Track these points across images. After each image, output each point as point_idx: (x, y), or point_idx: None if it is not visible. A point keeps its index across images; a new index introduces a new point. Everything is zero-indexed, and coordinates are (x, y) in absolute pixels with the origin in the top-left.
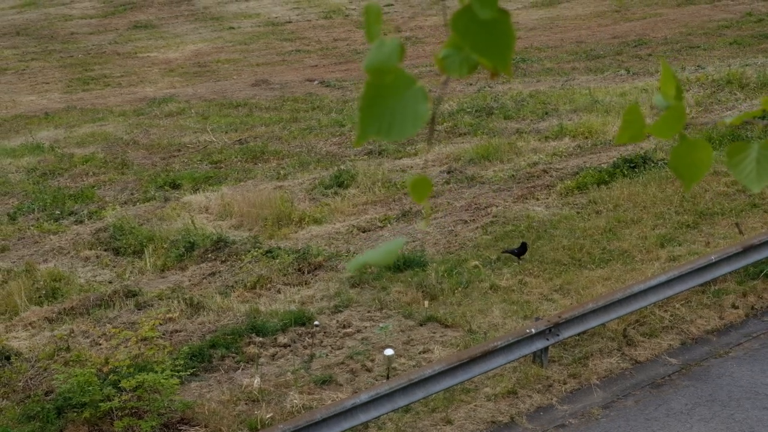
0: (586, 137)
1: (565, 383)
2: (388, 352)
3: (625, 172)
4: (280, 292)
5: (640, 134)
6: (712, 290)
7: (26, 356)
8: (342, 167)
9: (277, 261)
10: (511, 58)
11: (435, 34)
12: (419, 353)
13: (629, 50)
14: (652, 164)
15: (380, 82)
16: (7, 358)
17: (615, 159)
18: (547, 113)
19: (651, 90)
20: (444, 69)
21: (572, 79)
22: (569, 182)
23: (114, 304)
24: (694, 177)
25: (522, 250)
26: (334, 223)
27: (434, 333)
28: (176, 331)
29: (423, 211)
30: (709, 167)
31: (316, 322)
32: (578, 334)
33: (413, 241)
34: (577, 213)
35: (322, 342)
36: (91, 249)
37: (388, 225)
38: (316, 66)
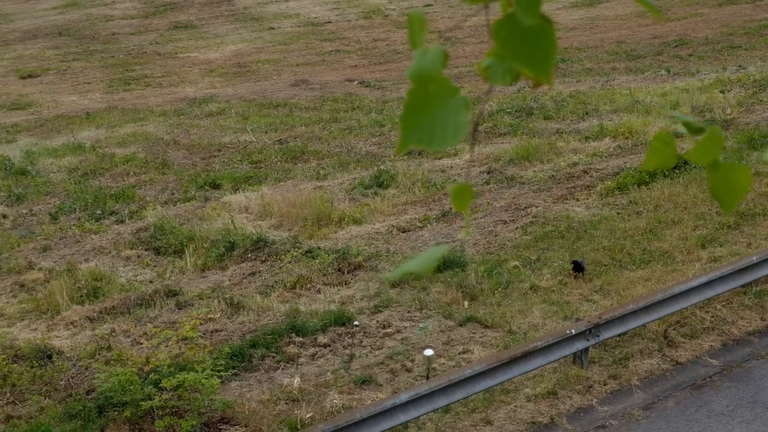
0: (627, 137)
1: (605, 384)
2: (428, 352)
3: (666, 173)
4: (320, 292)
5: (670, 160)
6: (753, 291)
7: (68, 355)
8: (382, 167)
9: (317, 261)
10: (553, 67)
11: (475, 35)
12: (459, 353)
13: (670, 50)
14: (693, 165)
15: (423, 91)
16: (49, 356)
17: None
18: (587, 113)
19: (692, 90)
20: (487, 78)
21: (612, 79)
22: (609, 183)
23: (155, 304)
24: (733, 201)
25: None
26: (374, 224)
27: (474, 333)
28: (216, 330)
29: (464, 219)
30: (747, 190)
31: (355, 322)
32: (619, 335)
33: (453, 242)
34: (618, 214)
35: (361, 342)
36: (132, 248)
37: (428, 225)
38: (356, 66)
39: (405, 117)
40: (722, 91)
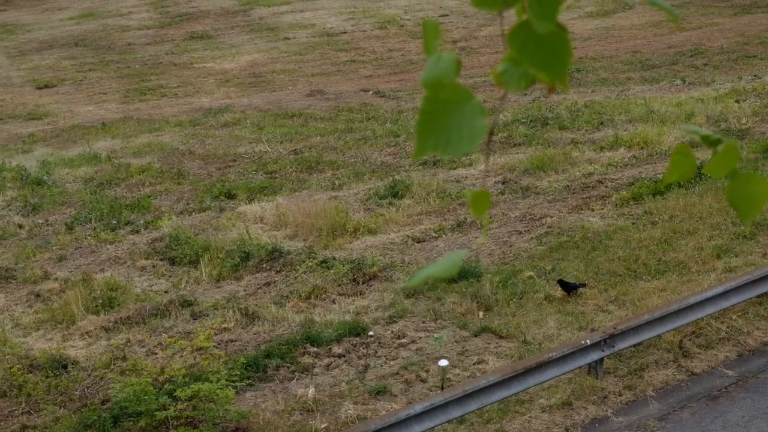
0: (642, 147)
1: (620, 395)
2: (443, 362)
3: (681, 183)
4: (334, 303)
5: (690, 172)
6: None
7: (83, 365)
8: (397, 177)
9: (332, 271)
10: (568, 72)
11: (490, 45)
12: (474, 364)
13: (685, 60)
14: (709, 175)
15: (437, 97)
16: (65, 366)
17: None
18: (602, 123)
19: (707, 100)
20: (502, 84)
21: (627, 89)
22: (624, 193)
23: (170, 314)
24: (751, 210)
25: (574, 286)
26: (389, 234)
27: (489, 344)
28: (231, 340)
29: (481, 225)
30: (766, 200)
31: (370, 333)
32: (634, 346)
33: (468, 252)
34: (633, 224)
35: (376, 352)
36: (147, 259)
37: (443, 235)
38: (371, 76)
39: (420, 123)
40: (737, 101)
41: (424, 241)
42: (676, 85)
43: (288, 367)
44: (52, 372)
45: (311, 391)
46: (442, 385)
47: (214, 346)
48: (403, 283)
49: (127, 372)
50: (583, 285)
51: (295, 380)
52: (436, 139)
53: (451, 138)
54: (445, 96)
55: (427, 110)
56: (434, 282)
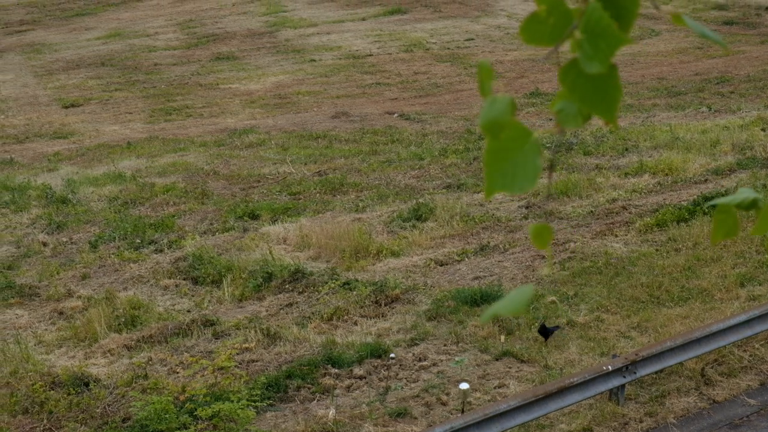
0: (666, 174)
1: (641, 421)
2: (464, 386)
3: (706, 210)
4: (356, 324)
5: (735, 230)
6: None
7: (105, 383)
8: (420, 200)
9: (355, 293)
10: (618, 110)
11: (514, 69)
12: (495, 388)
13: (711, 87)
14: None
15: (497, 138)
16: (86, 384)
17: (695, 197)
18: (627, 149)
19: (732, 128)
20: (560, 122)
21: (653, 115)
22: (648, 219)
23: (192, 333)
24: None
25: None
26: (412, 256)
27: (510, 368)
28: (253, 360)
29: (546, 257)
30: None
31: (392, 355)
32: (655, 372)
33: (490, 276)
34: (656, 250)
35: (397, 375)
36: (170, 278)
37: (466, 259)
38: (396, 99)
39: (488, 164)
40: (763, 129)
41: (446, 264)
42: (702, 112)
43: (309, 388)
44: (74, 389)
45: (332, 412)
46: (463, 409)
47: (235, 366)
48: (481, 320)
49: (148, 390)
50: (558, 327)
51: (315, 401)
52: (503, 178)
53: (516, 176)
54: (506, 136)
55: (491, 150)
56: (456, 305)
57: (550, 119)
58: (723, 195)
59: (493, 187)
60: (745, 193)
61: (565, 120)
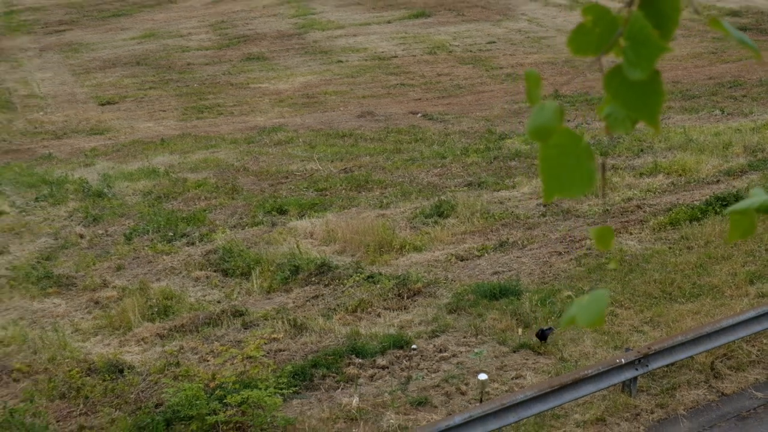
0: (680, 175)
1: (652, 413)
2: (482, 376)
3: (717, 210)
4: (380, 316)
5: (751, 230)
6: None
7: (138, 370)
8: (442, 198)
9: (378, 286)
10: (660, 114)
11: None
12: (512, 379)
13: (724, 91)
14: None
15: (545, 143)
16: (121, 371)
17: (708, 197)
18: (642, 150)
19: (745, 130)
20: (609, 126)
21: (667, 117)
22: (662, 218)
23: (222, 323)
24: None
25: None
26: (434, 251)
27: (527, 360)
28: (280, 350)
29: (609, 257)
30: None
31: (413, 346)
32: (667, 366)
33: (509, 271)
34: (669, 248)
35: (419, 365)
36: (201, 270)
37: (486, 254)
38: (420, 99)
39: (544, 170)
40: None
41: (467, 260)
42: (715, 115)
43: (333, 377)
44: (109, 376)
45: (355, 400)
46: (481, 398)
47: (263, 355)
48: (560, 326)
49: (180, 377)
50: (551, 329)
51: (340, 389)
52: (560, 182)
53: (573, 181)
54: (554, 142)
55: (545, 156)
56: (476, 298)
57: (569, 120)
58: (735, 195)
59: (551, 191)
60: (763, 196)
61: (614, 125)
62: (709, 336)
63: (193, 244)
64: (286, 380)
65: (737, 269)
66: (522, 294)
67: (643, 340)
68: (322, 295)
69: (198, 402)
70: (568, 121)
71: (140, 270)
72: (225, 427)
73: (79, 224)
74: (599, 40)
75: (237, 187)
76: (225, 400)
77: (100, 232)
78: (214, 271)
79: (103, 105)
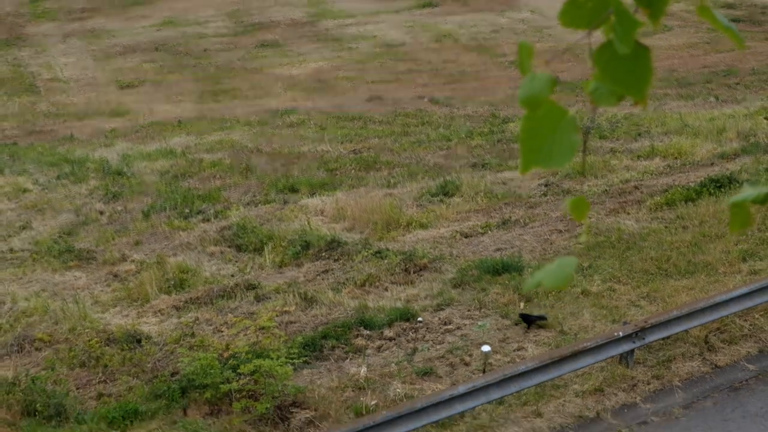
0: (676, 158)
1: (648, 383)
2: (485, 348)
3: (712, 191)
4: (387, 290)
5: (748, 222)
6: None
7: (155, 340)
8: (448, 178)
9: (386, 261)
10: (648, 90)
11: (537, 59)
12: (514, 350)
13: (718, 79)
14: (737, 184)
15: (535, 115)
16: (138, 341)
17: (702, 178)
18: (639, 135)
19: (738, 117)
20: (595, 101)
21: (664, 104)
22: (658, 199)
23: (235, 296)
24: None
25: (534, 319)
26: (439, 228)
27: (528, 332)
28: (291, 322)
29: (582, 228)
30: None
31: (419, 319)
32: (663, 339)
33: (511, 248)
34: (665, 227)
35: (424, 337)
36: (216, 245)
37: (489, 232)
38: (427, 85)
39: (524, 140)
40: (766, 118)
41: (471, 236)
42: (710, 102)
43: (342, 348)
44: (127, 345)
45: (363, 370)
46: (484, 369)
47: (275, 327)
48: (524, 289)
49: (195, 347)
50: (543, 317)
51: (348, 360)
52: (538, 154)
53: (552, 153)
54: (542, 113)
55: (527, 128)
56: (479, 273)
57: (569, 105)
58: (728, 177)
59: (529, 162)
60: (755, 189)
61: (599, 99)
62: (703, 311)
63: (208, 220)
64: (296, 351)
65: (730, 247)
66: (524, 270)
67: (639, 315)
68: (332, 269)
69: (212, 371)
70: (569, 105)
71: (157, 245)
72: (238, 395)
73: (99, 201)
74: (591, 14)
75: (251, 166)
76: (238, 370)
77: (119, 208)
78: (228, 247)
79: (123, 89)
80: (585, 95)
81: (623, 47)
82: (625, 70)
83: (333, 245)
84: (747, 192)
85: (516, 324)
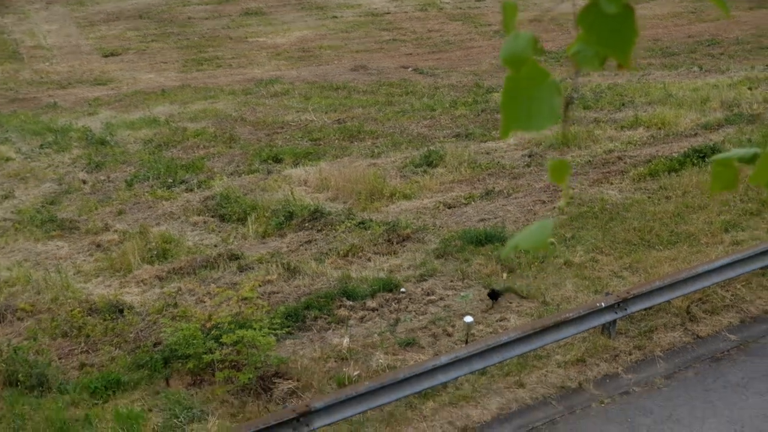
0: (660, 128)
1: (630, 354)
2: (468, 319)
3: (695, 162)
4: (370, 261)
5: (733, 183)
6: None
7: (138, 310)
8: (431, 148)
9: (369, 232)
10: (633, 52)
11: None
12: (496, 321)
13: (702, 49)
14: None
15: (516, 75)
16: (121, 311)
17: (686, 149)
18: (623, 105)
19: (721, 86)
20: (577, 63)
21: (648, 74)
22: (642, 169)
23: (218, 266)
24: None
25: (496, 295)
26: (422, 199)
27: (511, 303)
28: (274, 292)
29: (562, 192)
30: None
31: (402, 289)
32: (645, 309)
33: (494, 218)
34: (648, 198)
35: (407, 307)
36: (199, 215)
37: (472, 202)
38: (411, 54)
39: (504, 103)
40: (750, 88)
41: (454, 207)
42: (694, 71)
43: (325, 319)
44: (110, 316)
45: (346, 340)
46: (467, 340)
47: (257, 297)
48: (501, 254)
49: (177, 318)
50: (510, 289)
51: (331, 330)
52: (519, 116)
53: (532, 115)
54: (524, 74)
55: (509, 90)
56: (462, 244)
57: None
58: (711, 148)
59: (509, 125)
60: (742, 150)
61: (582, 61)
62: (685, 281)
63: (191, 190)
64: (279, 321)
65: (713, 218)
66: (507, 240)
67: (622, 285)
68: (315, 240)
69: (195, 341)
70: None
71: (140, 215)
72: (220, 365)
73: (82, 170)
74: None
75: (234, 136)
76: (221, 340)
77: (103, 178)
78: (212, 217)
79: (106, 56)
80: (569, 63)
81: (611, 6)
82: (610, 30)
83: (316, 215)
84: (733, 151)
85: (481, 300)
